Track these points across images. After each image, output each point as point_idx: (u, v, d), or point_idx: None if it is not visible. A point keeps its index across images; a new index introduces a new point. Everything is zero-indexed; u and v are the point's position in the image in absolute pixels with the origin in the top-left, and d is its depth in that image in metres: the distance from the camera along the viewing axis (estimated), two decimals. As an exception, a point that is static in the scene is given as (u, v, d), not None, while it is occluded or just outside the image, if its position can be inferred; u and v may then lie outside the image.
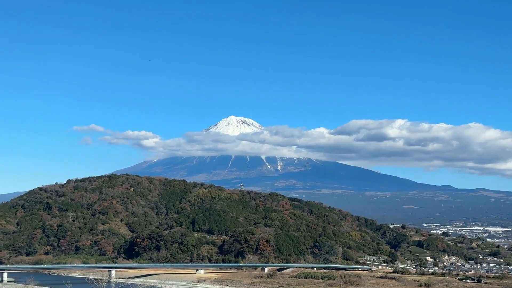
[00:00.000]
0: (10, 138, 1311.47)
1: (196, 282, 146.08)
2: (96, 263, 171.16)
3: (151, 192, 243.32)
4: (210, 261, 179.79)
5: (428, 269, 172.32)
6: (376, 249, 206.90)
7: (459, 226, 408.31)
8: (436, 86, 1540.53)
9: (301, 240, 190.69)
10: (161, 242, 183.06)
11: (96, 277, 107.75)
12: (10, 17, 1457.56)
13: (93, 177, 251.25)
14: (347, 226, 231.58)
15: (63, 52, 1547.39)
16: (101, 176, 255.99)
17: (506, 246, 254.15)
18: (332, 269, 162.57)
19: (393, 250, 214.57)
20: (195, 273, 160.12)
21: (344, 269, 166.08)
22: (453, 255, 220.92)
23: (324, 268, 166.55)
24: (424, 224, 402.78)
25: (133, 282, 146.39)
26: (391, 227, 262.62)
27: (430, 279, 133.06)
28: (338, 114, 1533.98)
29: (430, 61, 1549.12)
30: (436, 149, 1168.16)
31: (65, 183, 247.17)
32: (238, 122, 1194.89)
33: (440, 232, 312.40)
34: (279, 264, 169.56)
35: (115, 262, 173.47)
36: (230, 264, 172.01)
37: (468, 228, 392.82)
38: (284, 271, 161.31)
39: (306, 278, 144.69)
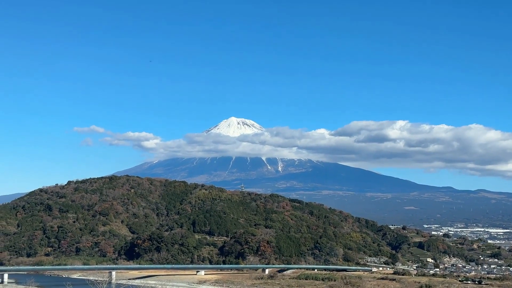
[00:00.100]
0: (10, 139, 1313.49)
1: (197, 283, 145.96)
2: (96, 264, 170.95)
3: (152, 193, 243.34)
4: (210, 263, 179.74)
5: (429, 271, 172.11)
6: (376, 251, 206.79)
7: (460, 228, 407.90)
8: (436, 87, 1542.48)
9: (302, 242, 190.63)
10: (161, 244, 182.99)
11: (96, 279, 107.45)
12: (11, 17, 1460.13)
13: (94, 178, 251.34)
14: (347, 228, 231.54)
15: (64, 53, 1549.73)
16: (102, 177, 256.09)
17: (507, 248, 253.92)
18: (333, 271, 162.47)
19: (393, 252, 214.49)
20: (196, 274, 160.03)
21: (345, 270, 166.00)
22: (454, 257, 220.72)
23: (325, 269, 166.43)
24: (425, 226, 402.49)
25: (134, 284, 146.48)
26: (391, 228, 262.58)
27: (431, 281, 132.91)
28: (338, 115, 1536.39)
29: (431, 63, 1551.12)
30: (437, 150, 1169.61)
31: (65, 184, 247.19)
32: (238, 123, 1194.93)
33: (441, 233, 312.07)
34: (280, 266, 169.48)
35: (116, 264, 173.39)
36: (230, 266, 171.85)
37: (469, 230, 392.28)
38: (285, 272, 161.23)
39: (307, 279, 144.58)
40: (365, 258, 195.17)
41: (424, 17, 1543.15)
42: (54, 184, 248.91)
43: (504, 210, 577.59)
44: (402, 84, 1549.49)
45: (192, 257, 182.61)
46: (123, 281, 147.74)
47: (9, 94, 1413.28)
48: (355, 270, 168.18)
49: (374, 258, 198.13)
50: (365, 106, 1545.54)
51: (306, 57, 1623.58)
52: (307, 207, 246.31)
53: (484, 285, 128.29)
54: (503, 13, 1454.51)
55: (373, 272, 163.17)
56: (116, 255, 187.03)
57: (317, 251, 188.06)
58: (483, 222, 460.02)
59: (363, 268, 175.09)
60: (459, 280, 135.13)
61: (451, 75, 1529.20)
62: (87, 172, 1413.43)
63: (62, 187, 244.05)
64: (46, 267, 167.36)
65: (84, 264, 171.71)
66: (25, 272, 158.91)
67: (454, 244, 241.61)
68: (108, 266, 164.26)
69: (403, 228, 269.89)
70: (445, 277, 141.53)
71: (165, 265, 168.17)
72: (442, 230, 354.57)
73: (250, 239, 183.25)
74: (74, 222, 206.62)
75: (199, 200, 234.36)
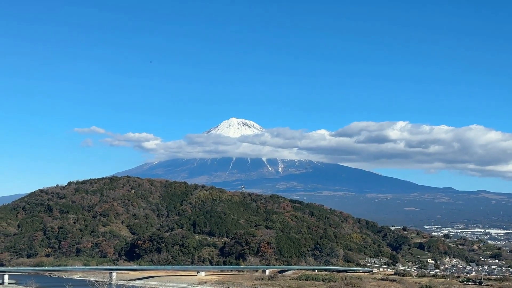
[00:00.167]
0: (11, 140, 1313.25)
1: (197, 284, 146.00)
2: (97, 265, 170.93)
3: (152, 194, 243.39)
4: (211, 263, 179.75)
5: (429, 271, 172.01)
6: (377, 251, 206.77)
7: (460, 228, 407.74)
8: (437, 88, 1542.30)
9: (302, 242, 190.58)
10: (162, 244, 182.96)
11: (97, 279, 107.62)
12: (11, 18, 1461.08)
13: (94, 179, 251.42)
14: (348, 228, 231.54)
15: (64, 54, 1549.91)
16: (102, 178, 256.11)
17: (507, 248, 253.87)
18: (333, 271, 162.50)
19: (394, 252, 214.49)
20: (196, 275, 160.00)
21: (345, 271, 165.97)
22: (454, 257, 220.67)
23: (325, 270, 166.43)
24: (425, 226, 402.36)
25: (134, 284, 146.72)
26: (392, 229, 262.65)
27: (431, 281, 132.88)
28: (339, 116, 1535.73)
29: (431, 63, 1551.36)
30: (437, 151, 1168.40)
31: (66, 185, 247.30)
32: (239, 124, 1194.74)
33: (441, 234, 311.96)
34: (280, 266, 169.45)
35: (116, 264, 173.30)
36: (231, 266, 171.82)
37: (469, 230, 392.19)
38: (285, 273, 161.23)
39: (307, 280, 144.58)
40: (365, 259, 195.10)
41: (425, 18, 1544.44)
42: (55, 185, 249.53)
43: (504, 211, 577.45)
44: (402, 85, 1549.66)
45: (193, 258, 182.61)
46: (123, 282, 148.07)
47: (10, 95, 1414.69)
48: (355, 271, 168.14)
49: (374, 259, 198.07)
50: (366, 107, 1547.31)
51: (307, 58, 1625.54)
52: (308, 208, 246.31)
53: (484, 286, 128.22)
54: (503, 14, 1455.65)
55: (373, 273, 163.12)
56: (117, 256, 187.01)
57: (318, 252, 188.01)
58: (483, 223, 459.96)
59: (363, 269, 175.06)
60: (460, 281, 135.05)
61: (452, 75, 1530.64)
62: (88, 173, 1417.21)
63: (63, 187, 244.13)
64: (46, 268, 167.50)
65: (85, 265, 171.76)
66: (26, 273, 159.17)
67: (454, 245, 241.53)
68: (108, 267, 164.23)
69: (404, 229, 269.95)
70: (445, 278, 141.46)
71: (166, 266, 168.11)
72: (442, 231, 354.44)
73: (250, 240, 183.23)
74: (74, 223, 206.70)
75: (199, 201, 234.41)
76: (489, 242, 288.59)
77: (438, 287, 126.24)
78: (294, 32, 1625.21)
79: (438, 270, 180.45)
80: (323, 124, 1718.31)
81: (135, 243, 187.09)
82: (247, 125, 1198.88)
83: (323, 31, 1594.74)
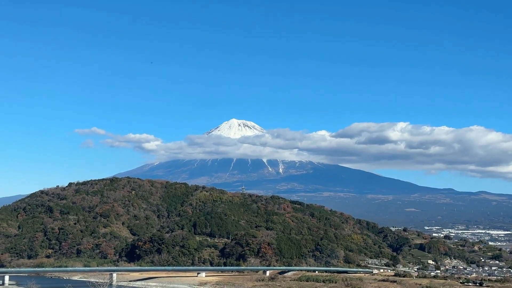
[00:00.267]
0: (11, 141, 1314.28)
1: (198, 285, 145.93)
2: (97, 266, 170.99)
3: (153, 195, 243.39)
4: (211, 264, 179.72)
5: (430, 272, 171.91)
6: (377, 252, 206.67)
7: (461, 229, 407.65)
8: (437, 89, 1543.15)
9: (303, 243, 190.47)
10: (162, 245, 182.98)
11: (97, 280, 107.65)
12: (12, 20, 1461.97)
13: (95, 180, 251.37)
14: (348, 229, 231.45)
15: (65, 55, 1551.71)
16: (103, 179, 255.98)
17: (508, 249, 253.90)
18: (334, 272, 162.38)
19: (394, 253, 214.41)
20: (197, 276, 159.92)
21: (346, 272, 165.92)
22: (455, 258, 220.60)
23: (326, 271, 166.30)
24: (426, 227, 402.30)
25: (135, 285, 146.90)
26: (392, 230, 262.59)
27: (432, 282, 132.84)
28: (339, 117, 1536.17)
29: (432, 64, 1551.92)
30: (438, 152, 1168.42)
31: (66, 186, 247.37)
32: (239, 125, 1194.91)
33: (441, 235, 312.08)
34: (281, 267, 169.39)
35: (117, 265, 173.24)
36: (231, 267, 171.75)
37: (470, 231, 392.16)
38: (286, 274, 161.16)
39: (308, 281, 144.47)
40: (366, 260, 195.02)
41: (425, 20, 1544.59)
42: (55, 186, 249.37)
43: (505, 212, 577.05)
44: (403, 86, 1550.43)
45: (193, 259, 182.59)
46: (124, 283, 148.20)
47: (10, 96, 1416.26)
48: (356, 272, 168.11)
49: (375, 260, 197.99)
50: (366, 108, 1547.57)
51: (307, 59, 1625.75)
52: (308, 208, 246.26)
53: (485, 287, 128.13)
54: (504, 15, 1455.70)
55: (374, 274, 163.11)
56: (117, 257, 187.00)
57: (318, 253, 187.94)
58: (484, 224, 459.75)
59: (364, 270, 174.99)
60: (460, 282, 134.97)
61: (452, 76, 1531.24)
62: (88, 174, 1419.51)
63: (63, 188, 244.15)
64: (47, 269, 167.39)
65: (85, 266, 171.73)
66: (26, 274, 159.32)
67: (455, 246, 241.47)
68: (109, 268, 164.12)
69: (404, 230, 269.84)
70: (446, 279, 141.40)
71: (166, 267, 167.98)
72: (443, 232, 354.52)
73: (251, 241, 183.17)
74: (75, 224, 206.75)
75: (200, 202, 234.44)
76: (490, 243, 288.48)
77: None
78: (295, 33, 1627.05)
79: (439, 271, 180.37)
80: (324, 125, 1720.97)
81: (136, 244, 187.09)
82: (247, 126, 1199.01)
83: (324, 32, 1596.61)
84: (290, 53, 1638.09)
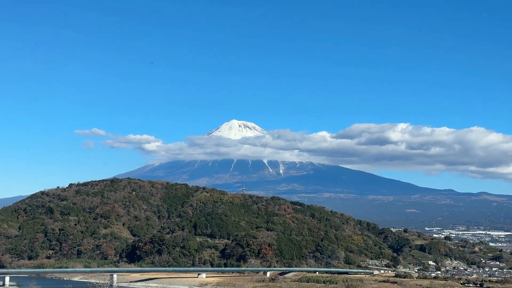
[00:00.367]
0: (12, 142, 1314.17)
1: (198, 286, 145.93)
2: (98, 267, 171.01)
3: (153, 196, 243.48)
4: (212, 265, 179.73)
5: (430, 273, 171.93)
6: (378, 253, 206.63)
7: (461, 230, 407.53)
8: (438, 90, 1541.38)
9: (303, 244, 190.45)
10: (163, 246, 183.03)
11: (98, 281, 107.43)
12: (12, 20, 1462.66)
13: (95, 181, 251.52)
14: (349, 230, 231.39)
15: (65, 56, 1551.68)
16: (103, 180, 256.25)
17: (508, 250, 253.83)
18: (334, 273, 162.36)
19: (395, 254, 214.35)
20: (197, 277, 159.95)
21: (346, 273, 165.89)
22: (455, 259, 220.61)
23: (326, 272, 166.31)
24: (426, 228, 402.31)
25: (135, 286, 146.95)
26: (393, 231, 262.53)
27: (432, 283, 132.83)
28: (340, 118, 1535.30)
29: (432, 65, 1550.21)
30: (438, 153, 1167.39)
31: (67, 187, 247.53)
32: (240, 126, 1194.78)
33: (442, 236, 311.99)
34: (281, 268, 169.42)
35: (117, 266, 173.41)
36: (232, 268, 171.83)
37: (471, 232, 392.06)
38: (286, 275, 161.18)
39: (308, 282, 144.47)
40: (366, 261, 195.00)
41: (426, 21, 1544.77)
42: (56, 187, 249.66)
43: (505, 212, 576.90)
44: (403, 87, 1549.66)
45: (194, 260, 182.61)
46: (124, 284, 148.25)
47: (11, 97, 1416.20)
48: (356, 273, 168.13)
49: (375, 260, 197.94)
50: (367, 109, 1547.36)
51: (307, 60, 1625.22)
52: (309, 209, 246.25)
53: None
54: (504, 16, 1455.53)
55: (374, 275, 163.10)
56: (118, 257, 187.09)
57: (319, 253, 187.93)
58: (484, 225, 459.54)
59: (364, 271, 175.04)
60: (461, 283, 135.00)
61: (452, 77, 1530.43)
62: (89, 175, 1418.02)
63: (64, 189, 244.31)
64: (47, 269, 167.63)
65: (86, 266, 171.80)
66: (27, 275, 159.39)
67: (455, 247, 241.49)
68: (109, 268, 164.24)
69: (405, 230, 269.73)
70: (446, 280, 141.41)
71: (167, 268, 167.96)
72: (443, 233, 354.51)
73: (251, 242, 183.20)
74: (75, 224, 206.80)
75: (200, 202, 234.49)
76: (490, 244, 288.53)
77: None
78: (295, 34, 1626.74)
79: (439, 272, 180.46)
80: (324, 126, 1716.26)
81: (136, 245, 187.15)
82: (248, 127, 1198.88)
83: (324, 33, 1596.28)
84: (291, 54, 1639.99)
